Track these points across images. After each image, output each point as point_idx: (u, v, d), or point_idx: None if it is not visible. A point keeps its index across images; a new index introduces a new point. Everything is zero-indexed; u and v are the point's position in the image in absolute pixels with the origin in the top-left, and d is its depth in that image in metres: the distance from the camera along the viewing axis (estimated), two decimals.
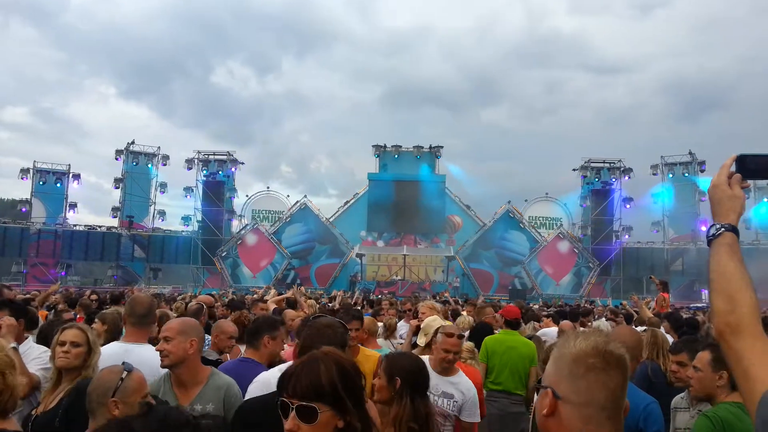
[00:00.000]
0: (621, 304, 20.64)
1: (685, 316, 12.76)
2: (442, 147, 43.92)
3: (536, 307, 17.38)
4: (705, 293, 35.67)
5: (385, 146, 43.43)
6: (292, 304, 10.92)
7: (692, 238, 38.30)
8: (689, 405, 3.86)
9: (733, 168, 1.65)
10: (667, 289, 10.13)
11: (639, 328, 8.05)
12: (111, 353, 3.68)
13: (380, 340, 7.21)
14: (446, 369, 4.12)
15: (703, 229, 38.32)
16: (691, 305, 27.17)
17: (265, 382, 3.21)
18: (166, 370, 3.42)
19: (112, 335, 5.11)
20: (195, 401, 3.22)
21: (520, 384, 5.99)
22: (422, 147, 43.44)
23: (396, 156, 43.24)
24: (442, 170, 43.85)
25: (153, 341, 4.59)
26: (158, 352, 3.87)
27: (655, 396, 3.92)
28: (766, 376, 1.33)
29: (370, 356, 4.43)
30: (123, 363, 2.57)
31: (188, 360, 3.30)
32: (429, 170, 43.19)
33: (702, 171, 39.67)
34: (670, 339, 7.98)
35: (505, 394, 5.96)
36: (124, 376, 2.45)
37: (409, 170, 42.86)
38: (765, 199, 38.00)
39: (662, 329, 8.38)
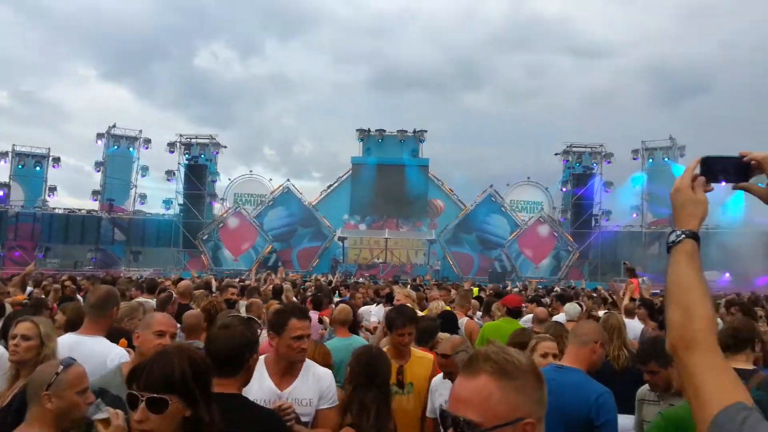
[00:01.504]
0: (597, 288, 20.99)
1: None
2: (425, 131, 44.06)
3: (516, 290, 17.61)
4: None
5: (368, 130, 43.38)
6: (278, 292, 10.93)
7: (670, 223, 38.67)
8: (659, 398, 3.84)
9: (698, 170, 1.57)
10: (635, 274, 10.24)
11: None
12: (61, 345, 3.63)
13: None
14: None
15: None
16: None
17: None
18: (118, 363, 3.44)
19: (73, 326, 4.93)
20: None
21: None
22: (406, 131, 43.48)
23: (380, 140, 43.22)
24: (426, 154, 43.97)
25: (121, 332, 4.56)
26: (111, 345, 3.87)
27: (600, 382, 4.02)
28: (718, 395, 1.24)
29: (422, 358, 4.34)
30: (68, 357, 2.57)
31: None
32: (412, 154, 43.25)
33: (682, 156, 40.13)
34: (636, 326, 8.15)
35: None
36: (59, 370, 2.43)
37: (393, 154, 42.89)
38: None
39: (637, 317, 8.49)
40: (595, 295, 14.08)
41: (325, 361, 4.23)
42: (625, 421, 4.11)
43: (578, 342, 3.46)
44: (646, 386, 4.01)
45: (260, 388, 3.30)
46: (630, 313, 8.45)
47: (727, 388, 1.25)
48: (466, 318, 7.63)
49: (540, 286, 25.76)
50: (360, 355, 3.50)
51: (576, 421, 3.11)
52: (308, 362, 3.52)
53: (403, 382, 4.11)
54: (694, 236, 1.50)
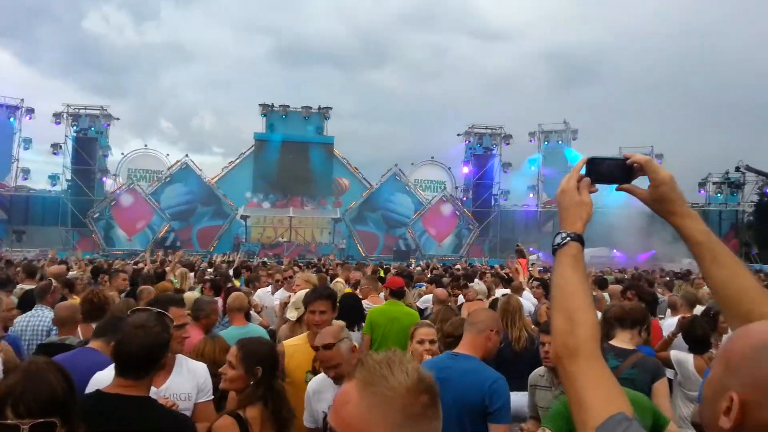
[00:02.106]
0: (494, 267, 21.71)
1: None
2: (331, 108, 43.55)
3: (418, 269, 17.85)
4: None
5: (272, 105, 42.34)
6: (161, 275, 10.35)
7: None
8: (550, 383, 3.90)
9: (584, 171, 1.58)
10: (523, 255, 10.67)
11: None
12: None
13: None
14: None
15: None
16: None
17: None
18: None
19: None
20: None
21: None
22: (310, 107, 42.77)
23: (284, 116, 42.31)
24: (331, 131, 43.58)
25: None
26: None
27: (501, 364, 3.97)
28: (599, 405, 1.22)
29: None
30: None
31: None
32: (317, 131, 42.75)
33: (575, 139, 42.24)
34: (526, 304, 8.45)
35: None
36: None
37: (297, 131, 42.16)
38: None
39: (533, 295, 8.83)
40: (494, 272, 14.52)
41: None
42: (519, 398, 4.22)
43: (474, 330, 3.46)
44: (538, 371, 4.12)
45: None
46: (518, 291, 8.83)
47: (609, 399, 1.23)
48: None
49: (441, 264, 26.38)
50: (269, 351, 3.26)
51: (471, 407, 3.15)
52: (179, 356, 3.42)
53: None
54: (579, 239, 1.49)
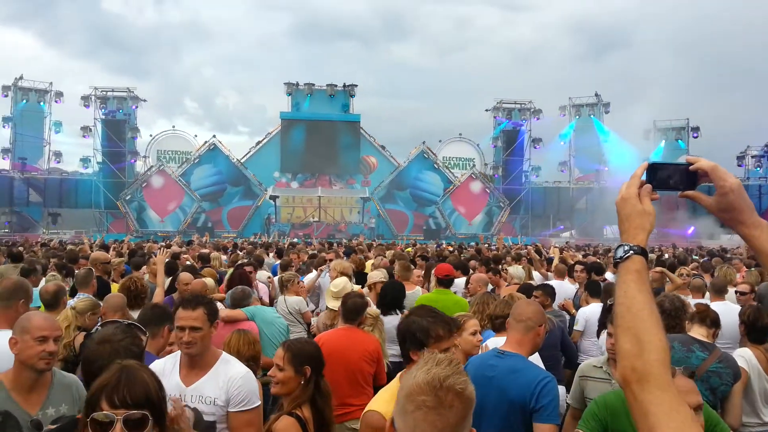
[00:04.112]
0: (533, 243, 21.38)
1: (588, 257, 13.30)
2: (356, 86, 43.16)
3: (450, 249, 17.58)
4: (607, 229, 37.82)
5: (297, 84, 42.10)
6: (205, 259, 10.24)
7: (596, 178, 40.14)
8: (610, 376, 3.70)
9: (644, 177, 1.50)
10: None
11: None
12: None
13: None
14: None
15: (606, 169, 40.24)
16: (594, 242, 28.56)
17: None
18: None
19: None
20: (45, 405, 2.85)
21: None
22: (336, 85, 42.47)
23: (309, 94, 42.05)
24: (357, 108, 43.21)
25: None
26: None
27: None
28: None
29: None
30: None
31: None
32: (343, 109, 42.44)
33: (607, 113, 41.33)
34: (568, 287, 8.23)
35: None
36: None
37: (323, 109, 41.93)
38: (662, 143, 40.19)
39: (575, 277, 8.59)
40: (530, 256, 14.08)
41: (253, 349, 4.24)
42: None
43: (522, 327, 3.33)
44: (591, 362, 4.01)
45: (168, 382, 3.07)
46: (560, 274, 8.60)
47: (684, 430, 1.20)
48: (418, 288, 7.32)
49: (471, 243, 26.08)
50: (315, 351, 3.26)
51: (518, 406, 3.07)
52: (227, 359, 3.34)
53: None
54: (643, 252, 1.41)
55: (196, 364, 3.20)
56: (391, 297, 5.87)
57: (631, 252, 1.40)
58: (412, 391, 1.44)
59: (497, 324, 4.40)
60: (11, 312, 3.65)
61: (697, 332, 4.16)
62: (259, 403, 3.28)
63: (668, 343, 1.32)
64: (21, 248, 13.52)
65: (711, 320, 4.22)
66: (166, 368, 3.23)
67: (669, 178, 1.51)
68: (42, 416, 2.75)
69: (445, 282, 6.36)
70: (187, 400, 3.10)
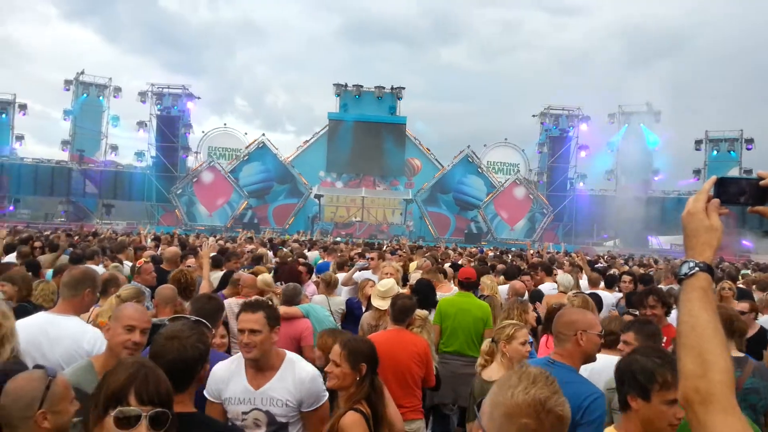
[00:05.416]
0: (574, 252, 21.25)
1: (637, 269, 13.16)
2: (404, 88, 43.37)
3: (490, 254, 17.63)
4: (650, 240, 37.10)
5: (345, 85, 42.63)
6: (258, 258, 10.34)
7: (643, 188, 39.43)
8: None
9: (712, 192, 1.48)
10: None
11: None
12: (33, 323, 3.53)
13: (318, 297, 7.03)
14: None
15: (656, 179, 39.51)
16: (639, 253, 28.16)
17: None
18: (95, 353, 3.29)
19: (24, 297, 4.77)
20: None
21: (473, 345, 6.00)
22: (383, 87, 42.81)
23: (357, 96, 42.55)
24: (403, 110, 43.50)
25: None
26: (86, 326, 3.72)
27: None
28: None
29: None
30: (40, 367, 2.22)
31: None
32: (390, 111, 42.79)
33: (657, 122, 40.51)
34: (608, 297, 8.24)
35: (457, 356, 5.98)
36: (49, 383, 2.11)
37: (370, 110, 42.29)
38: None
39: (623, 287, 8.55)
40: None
41: None
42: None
43: (559, 339, 3.33)
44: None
45: (235, 384, 3.24)
46: (595, 284, 8.61)
47: None
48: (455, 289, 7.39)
49: (509, 247, 26.01)
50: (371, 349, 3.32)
51: None
52: (293, 359, 3.37)
53: None
54: (709, 269, 1.38)
55: (261, 367, 3.23)
56: (422, 295, 5.93)
57: (697, 269, 1.38)
58: (512, 412, 1.40)
59: (610, 341, 4.13)
60: (77, 300, 3.77)
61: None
62: (327, 395, 3.34)
63: (732, 365, 1.30)
64: (66, 236, 14.13)
65: (740, 332, 4.06)
66: (232, 369, 3.30)
67: (738, 193, 1.48)
68: None
69: (467, 285, 6.44)
70: (257, 403, 3.19)
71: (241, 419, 3.21)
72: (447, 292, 7.25)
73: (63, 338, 3.52)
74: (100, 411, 1.81)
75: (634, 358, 2.61)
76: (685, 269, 1.39)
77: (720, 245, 1.43)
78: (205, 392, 3.33)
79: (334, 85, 42.83)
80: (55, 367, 2.45)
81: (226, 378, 3.27)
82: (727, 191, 1.48)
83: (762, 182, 1.44)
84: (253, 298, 5.12)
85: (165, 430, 1.81)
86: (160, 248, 12.04)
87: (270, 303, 3.67)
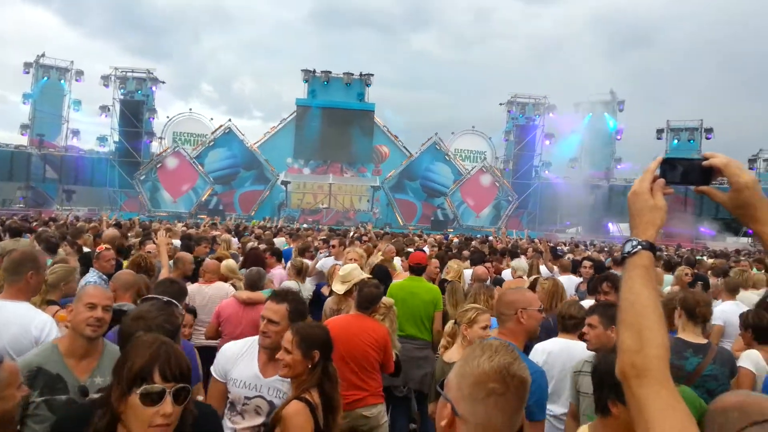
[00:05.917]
0: (537, 238, 21.66)
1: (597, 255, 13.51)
2: (372, 75, 43.33)
3: (455, 241, 17.84)
4: (609, 227, 37.97)
5: (314, 71, 42.35)
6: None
7: (605, 175, 40.23)
8: None
9: (658, 172, 1.49)
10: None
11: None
12: None
13: (289, 283, 6.97)
14: None
15: (619, 167, 40.33)
16: (596, 240, 28.81)
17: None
18: (53, 336, 3.28)
19: None
20: (94, 373, 2.89)
21: (423, 329, 6.08)
22: (352, 74, 42.66)
23: (325, 82, 42.31)
24: (372, 98, 43.45)
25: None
26: (35, 311, 3.63)
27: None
28: None
29: None
30: None
31: None
32: (359, 98, 42.67)
33: (620, 111, 41.29)
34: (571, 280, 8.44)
35: (408, 339, 5.98)
36: None
37: (339, 97, 42.15)
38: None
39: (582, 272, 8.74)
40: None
41: None
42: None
43: (502, 319, 3.41)
44: (584, 357, 3.88)
45: (245, 368, 3.24)
46: (564, 269, 8.84)
47: (681, 428, 1.19)
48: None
49: (475, 234, 26.34)
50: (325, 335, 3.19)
51: None
52: None
53: None
54: (651, 248, 1.40)
55: (274, 356, 3.15)
56: (377, 280, 5.81)
57: (639, 247, 1.39)
58: (480, 379, 1.45)
59: (569, 325, 4.22)
60: (22, 284, 3.64)
61: (689, 332, 4.06)
62: None
63: (669, 341, 1.31)
64: (29, 223, 13.85)
65: (702, 317, 4.11)
66: (244, 351, 3.30)
67: (683, 174, 1.49)
68: (89, 384, 2.83)
69: (417, 270, 6.51)
70: (263, 391, 3.19)
71: (242, 403, 3.20)
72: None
73: (10, 324, 3.48)
74: (124, 388, 1.86)
75: (614, 361, 2.57)
76: (628, 247, 1.41)
77: (663, 225, 1.45)
78: (211, 369, 3.37)
79: (302, 71, 42.55)
80: (2, 353, 2.45)
81: (236, 359, 3.29)
82: (672, 172, 1.49)
83: (705, 162, 1.46)
84: (274, 288, 5.13)
85: (185, 403, 1.90)
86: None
87: (297, 294, 3.65)
